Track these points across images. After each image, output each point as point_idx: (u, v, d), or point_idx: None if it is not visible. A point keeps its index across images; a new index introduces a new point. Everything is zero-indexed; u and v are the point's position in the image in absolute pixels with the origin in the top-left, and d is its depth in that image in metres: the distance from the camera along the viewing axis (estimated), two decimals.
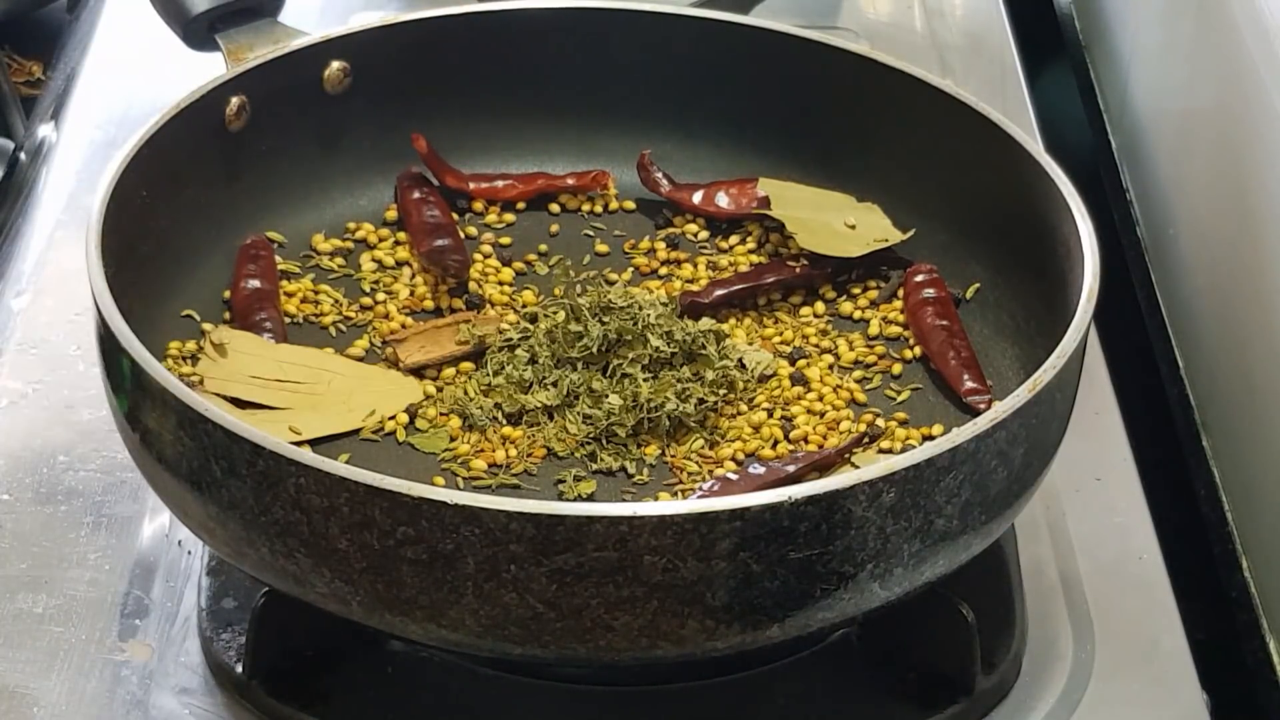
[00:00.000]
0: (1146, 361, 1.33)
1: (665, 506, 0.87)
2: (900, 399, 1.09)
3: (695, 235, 1.20)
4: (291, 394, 1.06)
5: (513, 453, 1.05)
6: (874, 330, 1.14)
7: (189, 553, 1.06)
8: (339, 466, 0.87)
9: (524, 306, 1.14)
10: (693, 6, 1.24)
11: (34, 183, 1.34)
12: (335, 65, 1.16)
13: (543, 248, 1.19)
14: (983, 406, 1.05)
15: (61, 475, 1.11)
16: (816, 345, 1.13)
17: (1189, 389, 1.29)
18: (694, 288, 1.16)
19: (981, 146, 1.12)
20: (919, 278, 1.14)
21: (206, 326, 1.10)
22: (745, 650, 0.91)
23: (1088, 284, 0.99)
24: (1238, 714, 1.08)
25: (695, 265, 1.18)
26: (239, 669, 0.98)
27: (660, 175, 1.21)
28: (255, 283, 1.12)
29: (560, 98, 1.22)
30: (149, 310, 1.05)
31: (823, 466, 1.03)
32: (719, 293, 1.14)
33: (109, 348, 0.96)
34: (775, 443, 1.06)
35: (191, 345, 1.08)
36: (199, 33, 1.16)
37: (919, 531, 0.90)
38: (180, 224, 1.10)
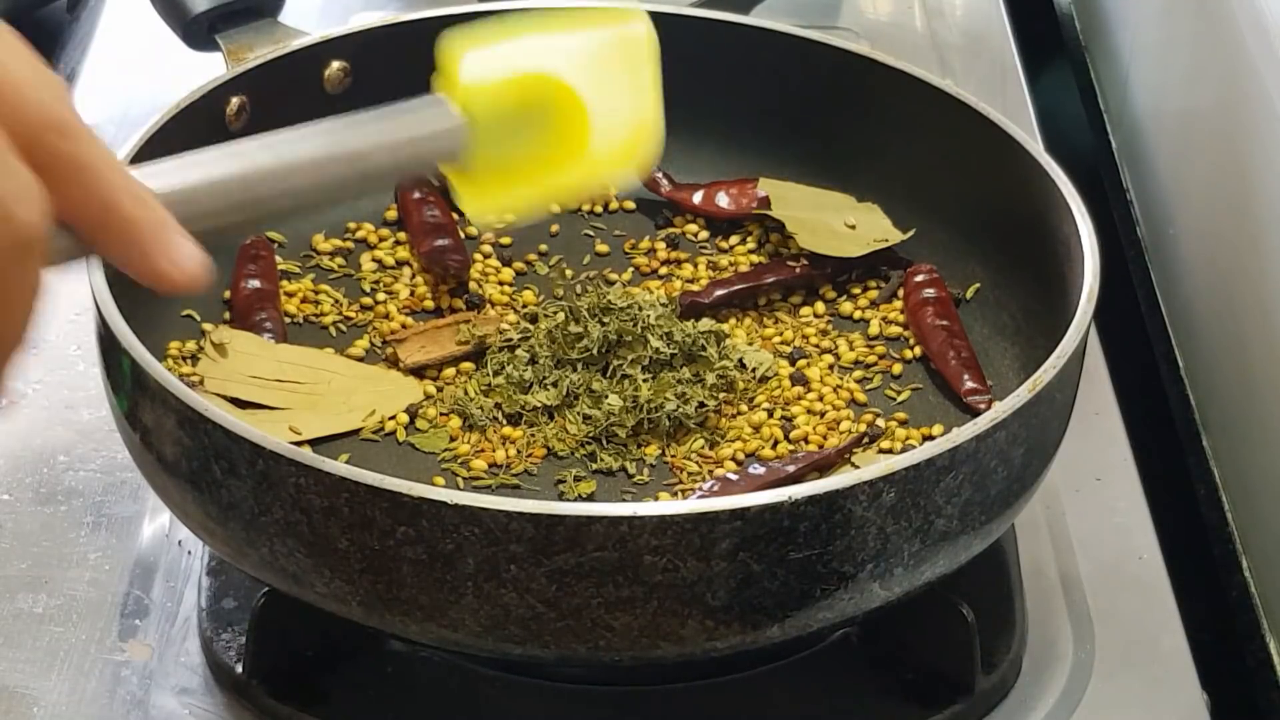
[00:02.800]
0: (1146, 361, 1.33)
1: (665, 506, 0.87)
2: (900, 399, 1.09)
3: (695, 235, 1.20)
4: (291, 394, 1.06)
5: (512, 452, 1.05)
6: (874, 330, 1.14)
7: (189, 553, 1.06)
8: (339, 466, 0.87)
9: (524, 306, 1.14)
10: (693, 6, 1.24)
11: None
12: (335, 65, 1.16)
13: (543, 248, 1.19)
14: (983, 406, 1.05)
15: (61, 475, 1.11)
16: (816, 345, 1.13)
17: (1189, 389, 1.29)
18: (694, 288, 1.16)
19: (981, 146, 1.12)
20: (919, 278, 1.14)
21: (206, 326, 1.10)
22: (745, 650, 0.91)
23: (1088, 284, 0.99)
24: (1238, 714, 1.08)
25: (695, 265, 1.18)
26: (239, 669, 0.98)
27: (660, 175, 1.21)
28: (255, 283, 1.12)
29: None
30: (149, 310, 1.05)
31: (823, 466, 1.03)
32: (719, 293, 1.14)
33: (109, 348, 0.96)
34: (775, 443, 1.06)
35: (191, 345, 1.08)
36: (199, 33, 1.16)
37: (919, 531, 0.90)
38: None
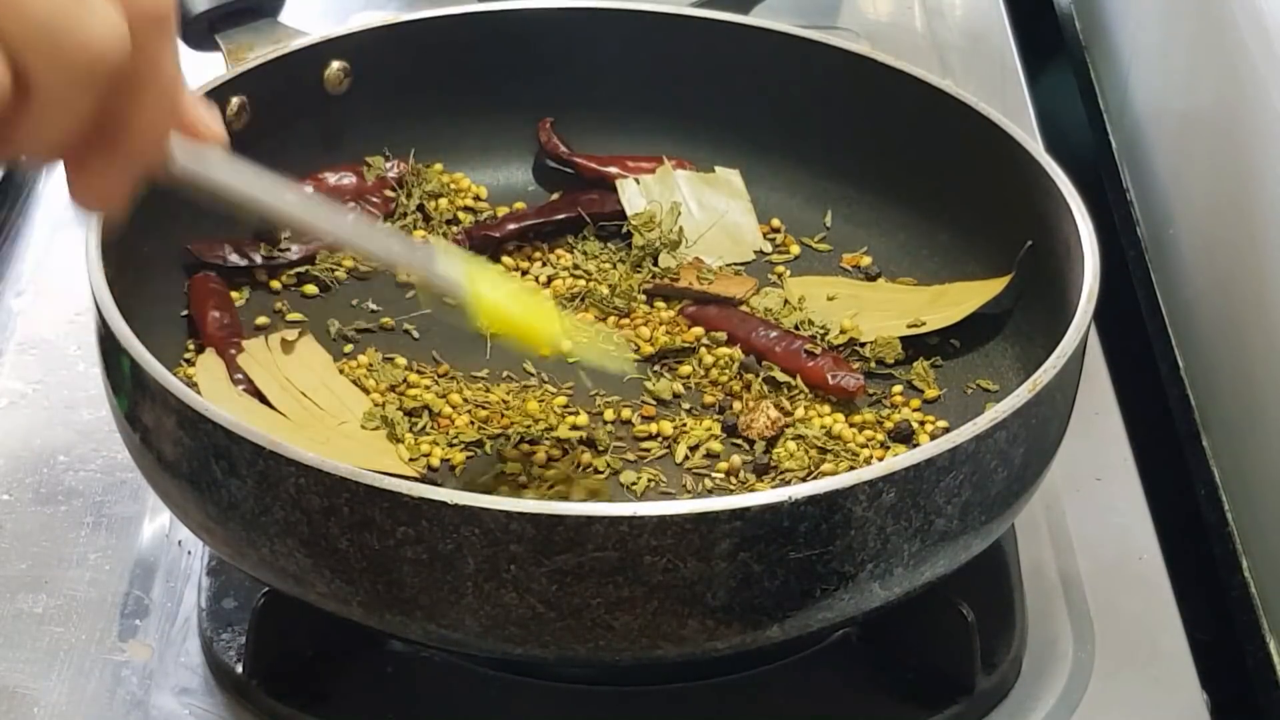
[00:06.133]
0: (1146, 361, 1.33)
1: (665, 506, 0.87)
2: (896, 398, 1.09)
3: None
4: (303, 411, 1.04)
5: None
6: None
7: (189, 553, 1.06)
8: (339, 466, 0.87)
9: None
10: (693, 6, 1.24)
11: (34, 183, 1.34)
12: (335, 65, 1.16)
13: None
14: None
15: (61, 475, 1.11)
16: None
17: (1189, 389, 1.29)
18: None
19: (981, 146, 1.12)
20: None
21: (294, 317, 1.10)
22: (745, 650, 0.91)
23: (1088, 284, 0.99)
24: (1238, 714, 1.08)
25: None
26: (239, 669, 0.98)
27: (558, 141, 1.21)
28: (216, 314, 1.09)
29: (560, 98, 1.22)
30: (149, 310, 1.05)
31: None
32: (510, 226, 1.16)
33: (109, 348, 0.96)
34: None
35: (192, 345, 1.08)
36: (199, 33, 1.16)
37: (919, 531, 0.90)
38: (181, 224, 1.10)
